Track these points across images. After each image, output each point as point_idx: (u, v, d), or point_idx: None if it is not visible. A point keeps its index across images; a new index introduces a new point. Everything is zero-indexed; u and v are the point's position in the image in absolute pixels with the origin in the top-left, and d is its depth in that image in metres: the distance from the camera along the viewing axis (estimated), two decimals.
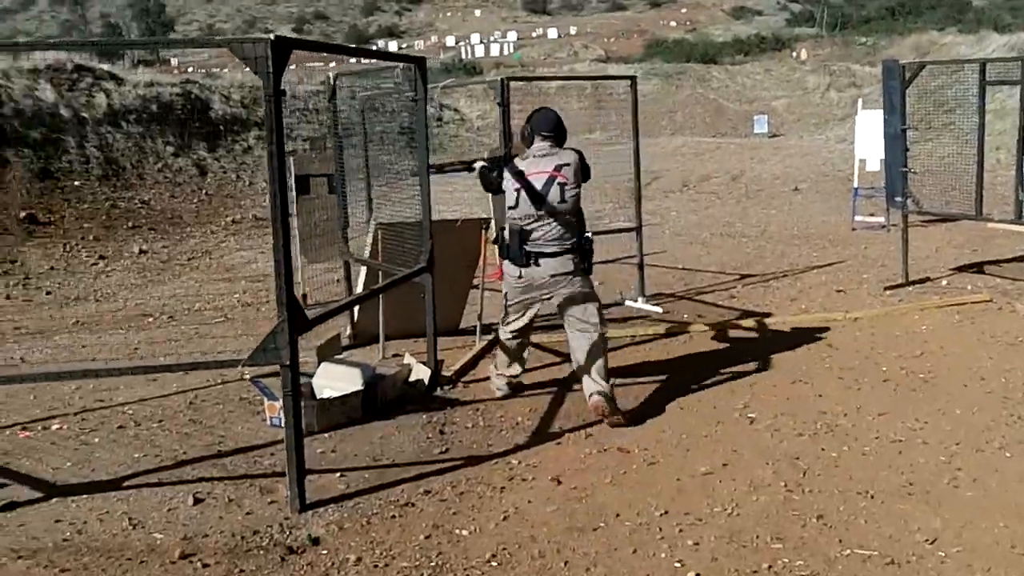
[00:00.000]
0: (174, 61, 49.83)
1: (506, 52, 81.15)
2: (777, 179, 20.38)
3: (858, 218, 13.22)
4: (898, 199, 8.66)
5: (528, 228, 5.40)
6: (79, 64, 17.71)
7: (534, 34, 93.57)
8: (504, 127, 7.37)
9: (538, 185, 5.39)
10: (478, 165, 5.98)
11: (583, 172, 5.57)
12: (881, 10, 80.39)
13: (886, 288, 8.87)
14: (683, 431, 5.18)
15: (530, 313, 5.68)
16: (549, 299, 5.55)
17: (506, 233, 5.53)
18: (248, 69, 3.86)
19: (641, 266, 8.79)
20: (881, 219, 13.01)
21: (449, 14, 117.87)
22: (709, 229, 13.58)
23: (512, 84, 7.54)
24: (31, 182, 13.46)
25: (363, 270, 6.97)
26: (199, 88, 19.73)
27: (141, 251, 12.18)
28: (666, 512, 4.10)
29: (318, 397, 5.34)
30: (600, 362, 5.43)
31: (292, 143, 17.10)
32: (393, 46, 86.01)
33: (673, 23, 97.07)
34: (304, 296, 9.00)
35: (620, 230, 9.22)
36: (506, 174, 5.53)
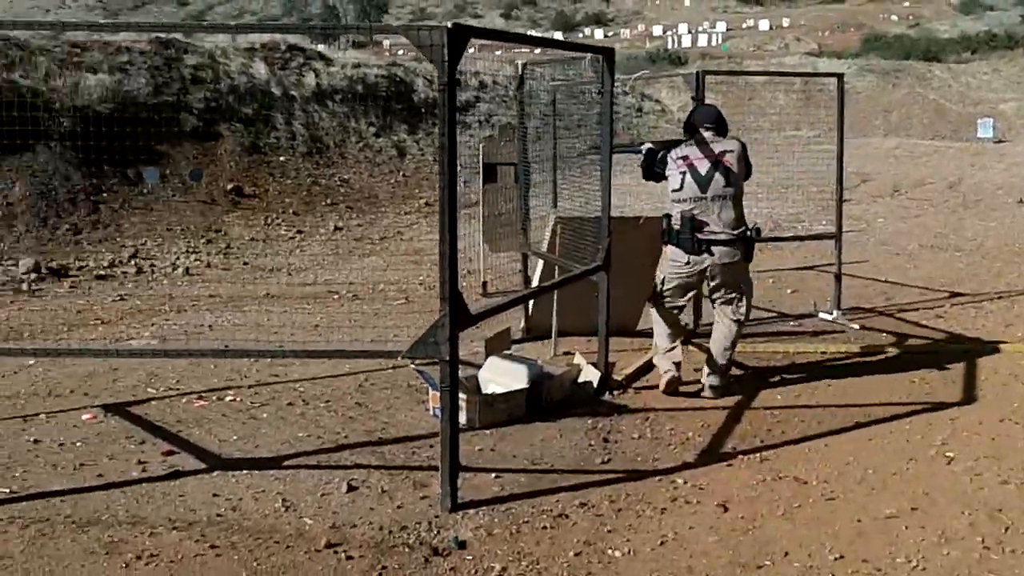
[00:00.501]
0: (385, 43, 51.46)
1: (714, 43, 79.45)
2: (1000, 189, 18.89)
3: None
4: None
5: (697, 215, 5.51)
6: (292, 44, 18.47)
7: (744, 25, 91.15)
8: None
9: (703, 169, 5.53)
10: (645, 147, 5.96)
11: (745, 154, 5.70)
12: None
13: None
14: (869, 465, 4.72)
15: (688, 295, 5.90)
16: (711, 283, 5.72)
17: (674, 220, 5.60)
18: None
19: (839, 277, 8.25)
20: None
21: (658, 2, 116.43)
22: (918, 240, 12.69)
23: (710, 77, 7.18)
24: (240, 156, 14.12)
25: (540, 263, 6.82)
26: (404, 71, 20.21)
27: (336, 228, 12.54)
28: (841, 556, 3.72)
29: (482, 392, 5.23)
30: (727, 355, 5.73)
31: (489, 129, 17.26)
32: (599, 34, 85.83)
33: (894, 17, 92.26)
34: (484, 284, 9.00)
35: (818, 236, 8.71)
36: (670, 158, 5.66)
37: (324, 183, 14.79)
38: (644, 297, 7.12)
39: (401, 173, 16.65)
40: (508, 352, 5.84)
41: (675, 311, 5.88)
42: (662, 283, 5.82)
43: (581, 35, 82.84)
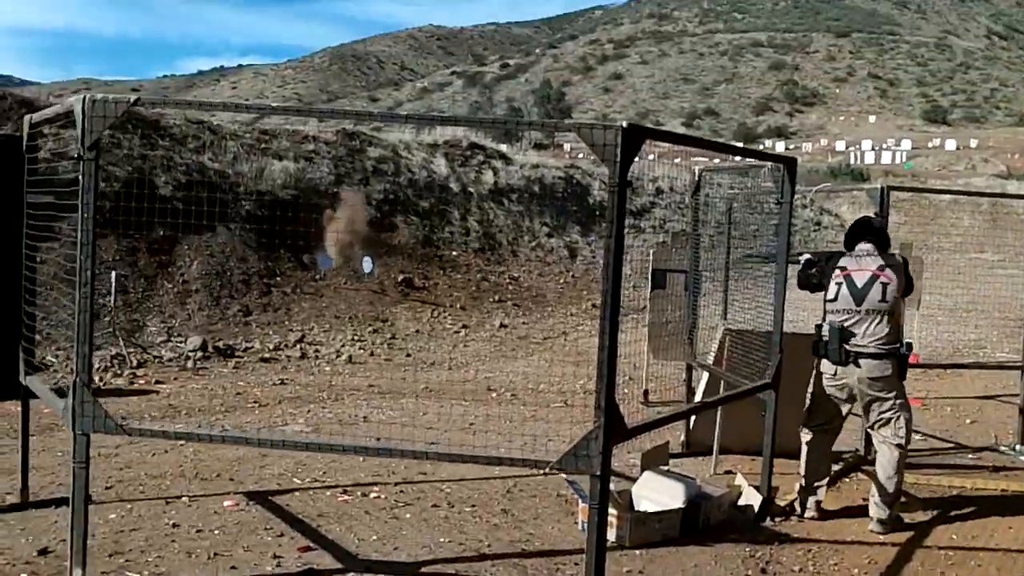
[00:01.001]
0: (567, 147, 52.53)
1: (897, 160, 77.56)
2: None
3: None
4: None
5: (847, 326, 5.34)
6: (473, 142, 19.02)
7: (930, 144, 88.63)
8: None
9: (859, 282, 5.36)
10: (804, 257, 5.83)
11: (907, 274, 5.54)
12: None
13: None
14: None
15: (839, 416, 5.61)
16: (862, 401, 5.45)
17: (824, 329, 5.43)
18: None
19: (1023, 410, 7.61)
20: None
21: (842, 118, 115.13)
22: None
23: (894, 194, 6.86)
24: (414, 248, 14.47)
25: (705, 375, 6.56)
26: (581, 174, 20.45)
27: (502, 325, 12.60)
28: None
29: (635, 508, 4.99)
30: (893, 485, 5.33)
31: (663, 235, 17.16)
32: (780, 147, 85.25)
33: None
34: (646, 393, 8.78)
35: (1002, 366, 8.10)
36: (828, 268, 5.54)
37: (493, 280, 14.96)
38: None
39: (571, 274, 16.70)
40: (665, 467, 5.58)
41: (825, 435, 5.62)
42: (810, 399, 5.62)
43: (762, 147, 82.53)
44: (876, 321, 5.29)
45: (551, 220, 18.36)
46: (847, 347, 5.29)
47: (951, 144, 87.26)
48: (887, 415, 5.35)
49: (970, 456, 7.42)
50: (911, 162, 76.38)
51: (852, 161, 75.94)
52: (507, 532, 4.92)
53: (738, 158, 6.51)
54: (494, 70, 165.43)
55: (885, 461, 5.36)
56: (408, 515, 5.13)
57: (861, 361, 5.27)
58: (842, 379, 5.37)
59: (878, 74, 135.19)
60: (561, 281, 16.32)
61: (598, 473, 3.63)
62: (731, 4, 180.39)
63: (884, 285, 5.30)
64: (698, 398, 6.47)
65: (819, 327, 5.48)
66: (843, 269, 5.42)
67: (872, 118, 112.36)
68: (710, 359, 6.41)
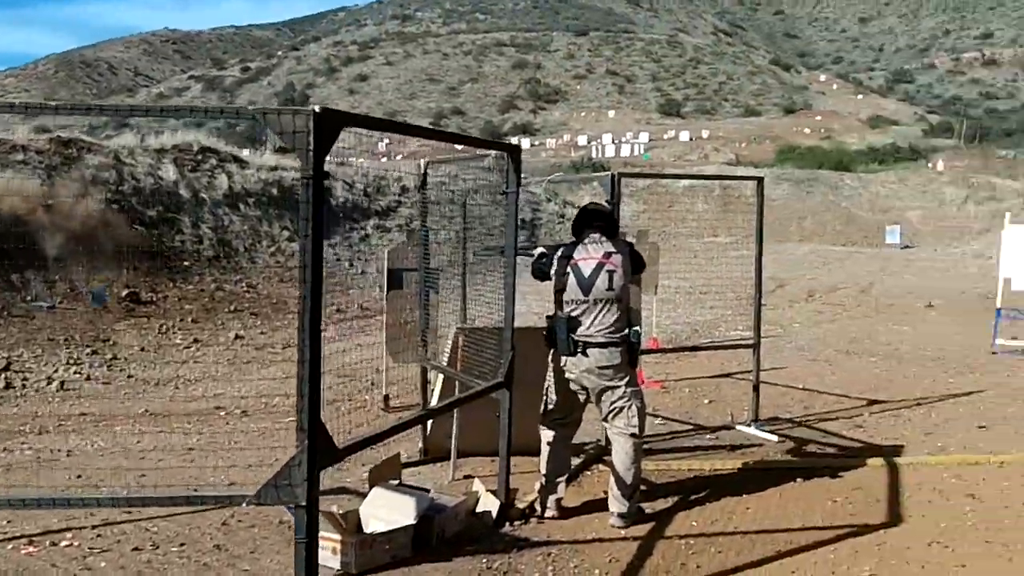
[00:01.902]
0: None
1: (636, 152, 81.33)
2: (910, 293, 19.11)
3: (999, 341, 11.97)
4: None
5: (576, 315, 5.27)
6: (206, 146, 18.00)
7: (666, 136, 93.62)
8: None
9: (586, 271, 5.27)
10: (537, 250, 5.67)
11: (634, 263, 5.47)
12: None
13: None
14: None
15: (575, 410, 5.52)
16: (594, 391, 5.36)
17: (555, 320, 5.35)
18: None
19: (756, 388, 7.90)
20: None
21: (584, 114, 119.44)
22: (834, 345, 12.52)
23: (632, 183, 6.86)
24: (140, 260, 13.43)
25: (440, 378, 6.29)
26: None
27: (237, 336, 11.88)
28: None
29: (364, 530, 4.62)
30: (631, 476, 5.27)
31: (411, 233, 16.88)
32: (526, 143, 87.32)
33: (807, 130, 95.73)
34: (386, 398, 8.45)
35: (736, 345, 8.36)
36: (555, 258, 5.40)
37: (229, 289, 14.15)
38: None
39: None
40: (396, 481, 5.23)
41: (564, 429, 5.49)
42: (546, 392, 5.49)
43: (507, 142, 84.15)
44: (604, 310, 5.23)
45: (292, 224, 17.66)
46: (575, 337, 5.22)
47: (685, 135, 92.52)
48: (619, 404, 5.26)
49: (708, 436, 7.60)
50: (648, 153, 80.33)
51: (594, 155, 78.86)
52: (218, 572, 4.41)
53: (475, 149, 6.30)
54: (235, 74, 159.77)
55: (621, 452, 5.28)
56: (103, 563, 4.48)
57: (589, 351, 5.21)
58: (573, 370, 5.27)
59: (616, 71, 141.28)
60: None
61: (303, 504, 3.23)
62: (473, 5, 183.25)
63: (610, 273, 5.23)
64: (434, 402, 6.19)
65: (549, 318, 5.35)
66: (570, 259, 5.32)
67: (612, 113, 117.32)
68: (445, 360, 6.14)
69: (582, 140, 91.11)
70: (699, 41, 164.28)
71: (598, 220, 5.49)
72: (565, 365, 5.31)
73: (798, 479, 6.29)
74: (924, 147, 65.05)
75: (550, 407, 5.46)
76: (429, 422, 6.33)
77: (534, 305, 6.60)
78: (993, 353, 11.70)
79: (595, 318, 5.23)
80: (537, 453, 5.68)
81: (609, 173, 6.94)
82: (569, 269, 5.28)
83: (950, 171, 48.39)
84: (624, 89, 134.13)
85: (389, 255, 8.27)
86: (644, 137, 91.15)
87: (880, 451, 7.03)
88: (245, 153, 20.49)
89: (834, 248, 32.06)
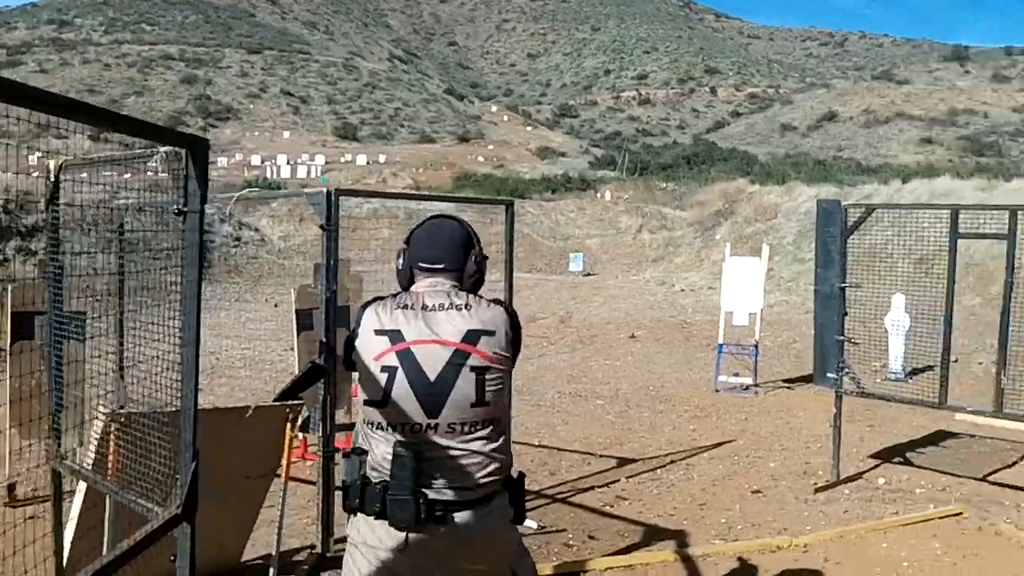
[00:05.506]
0: None
1: (313, 174, 79.20)
2: (609, 324, 18.76)
3: (721, 378, 11.45)
4: (831, 375, 6.73)
5: (420, 448, 2.70)
6: None
7: (342, 159, 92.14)
8: (328, 260, 4.98)
9: (428, 365, 2.73)
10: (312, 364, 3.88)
11: (519, 338, 2.91)
12: (677, 158, 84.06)
13: (817, 489, 6.87)
14: None
15: None
16: None
17: (371, 461, 2.79)
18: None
19: None
20: (747, 379, 11.34)
21: (257, 133, 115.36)
22: (554, 386, 11.46)
23: (340, 199, 5.14)
24: None
25: (82, 488, 4.15)
26: None
27: None
28: None
29: None
30: None
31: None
32: None
33: (481, 158, 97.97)
34: (11, 487, 6.18)
35: None
36: (361, 338, 2.81)
37: None
38: (252, 518, 4.81)
39: None
40: None
41: None
42: None
43: None
44: (465, 439, 2.76)
45: None
46: (428, 492, 2.70)
47: (362, 159, 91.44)
48: None
49: None
50: (326, 175, 78.39)
51: (269, 175, 75.92)
52: None
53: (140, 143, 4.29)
54: None
55: None
56: None
57: (455, 516, 2.74)
58: (415, 553, 2.74)
59: (291, 91, 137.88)
60: None
61: None
62: (139, 14, 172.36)
63: (478, 372, 2.77)
64: (71, 526, 4.08)
65: (359, 453, 2.85)
66: (394, 336, 2.79)
67: (287, 133, 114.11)
68: (88, 460, 4.01)
69: (255, 160, 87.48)
70: (375, 66, 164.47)
71: (433, 258, 2.91)
72: (405, 547, 2.72)
73: None
74: (592, 178, 68.08)
75: None
76: (67, 543, 4.20)
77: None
78: (716, 391, 11.13)
79: (452, 456, 2.74)
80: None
81: (322, 190, 5.20)
82: (395, 359, 2.76)
83: (618, 201, 50.56)
84: (299, 110, 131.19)
85: (13, 293, 6.07)
86: (320, 159, 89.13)
87: (662, 534, 5.82)
88: None
89: (522, 275, 31.86)
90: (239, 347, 12.55)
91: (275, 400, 4.29)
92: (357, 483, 2.78)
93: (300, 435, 6.11)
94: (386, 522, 2.70)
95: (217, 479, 3.56)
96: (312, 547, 5.15)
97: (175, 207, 3.12)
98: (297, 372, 5.18)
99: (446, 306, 2.79)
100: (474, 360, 2.73)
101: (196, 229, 3.06)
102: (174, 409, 3.24)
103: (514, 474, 2.91)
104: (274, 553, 4.49)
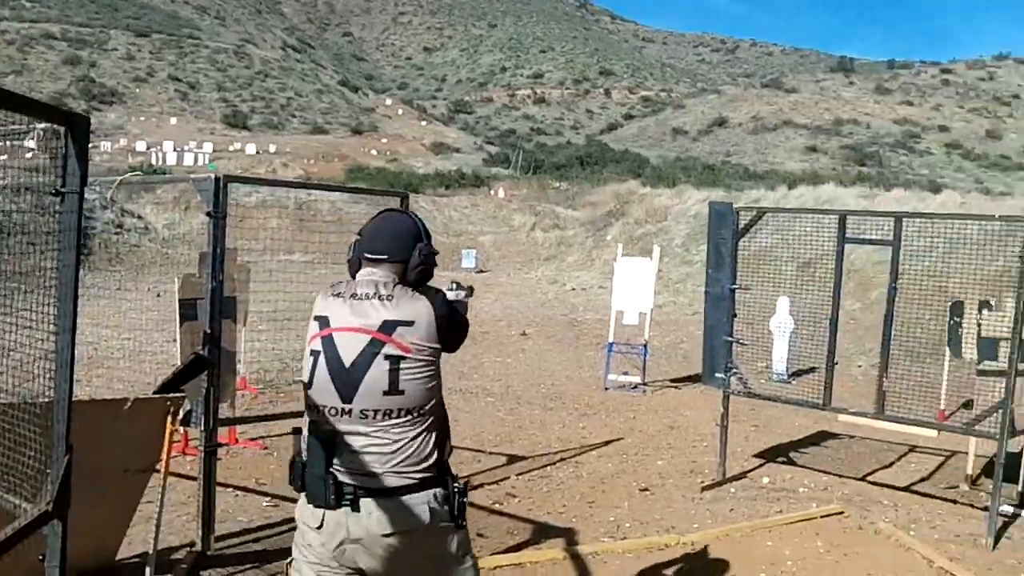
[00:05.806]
0: None
1: (201, 162, 77.27)
2: (500, 321, 18.78)
3: (611, 377, 11.57)
4: (719, 375, 6.85)
5: (342, 434, 2.76)
6: None
7: (231, 147, 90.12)
8: (214, 248, 4.82)
9: (346, 351, 2.77)
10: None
11: (450, 330, 2.88)
12: (571, 158, 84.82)
13: (704, 488, 6.98)
14: None
15: None
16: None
17: (302, 441, 2.85)
18: None
19: None
20: (636, 378, 11.48)
21: (143, 118, 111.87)
22: (445, 382, 11.34)
23: (228, 185, 4.96)
24: None
25: None
26: None
27: None
28: None
29: None
30: None
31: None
32: None
33: (374, 151, 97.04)
34: None
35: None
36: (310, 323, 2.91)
37: None
38: (130, 514, 4.62)
39: None
40: None
41: None
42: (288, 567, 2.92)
43: None
44: (386, 427, 2.77)
45: None
46: (337, 471, 2.77)
47: (251, 148, 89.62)
48: None
49: None
50: (214, 163, 76.57)
51: (154, 161, 73.71)
52: None
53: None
54: None
55: None
56: None
57: (363, 502, 2.77)
58: (331, 535, 2.77)
59: (179, 76, 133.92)
60: None
61: None
62: None
63: (393, 360, 2.81)
64: None
65: (296, 432, 2.92)
66: (323, 323, 2.90)
67: (174, 120, 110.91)
68: None
69: (140, 146, 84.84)
70: (268, 54, 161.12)
71: (377, 248, 2.93)
72: (321, 526, 2.76)
73: None
74: (486, 175, 68.20)
75: None
76: None
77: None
78: (606, 389, 11.24)
79: (369, 440, 2.75)
80: None
81: (210, 176, 5.03)
82: (320, 344, 2.83)
83: (512, 199, 50.76)
84: (188, 96, 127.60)
85: None
86: (208, 147, 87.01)
87: (550, 531, 5.82)
88: None
89: None
90: (119, 337, 12.10)
91: (156, 392, 4.15)
92: (295, 461, 2.87)
93: (181, 429, 5.91)
94: (307, 499, 2.82)
95: (93, 473, 3.43)
96: (192, 545, 4.97)
97: (54, 189, 2.97)
98: (179, 364, 5.00)
99: (371, 295, 2.84)
100: (389, 349, 2.76)
101: (75, 211, 2.94)
102: (47, 400, 3.08)
103: (461, 482, 2.91)
104: (151, 551, 4.33)
